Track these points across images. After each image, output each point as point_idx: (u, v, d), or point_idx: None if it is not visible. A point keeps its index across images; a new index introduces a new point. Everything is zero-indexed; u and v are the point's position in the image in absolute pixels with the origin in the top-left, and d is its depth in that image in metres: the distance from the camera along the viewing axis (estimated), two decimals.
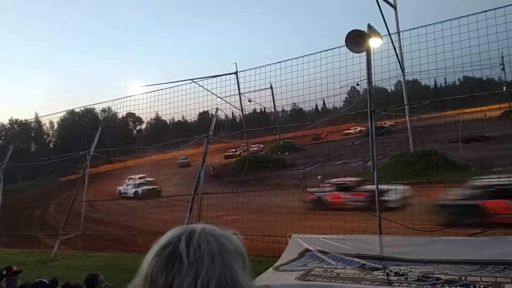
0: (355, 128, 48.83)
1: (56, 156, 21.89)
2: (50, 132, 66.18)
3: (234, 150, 39.24)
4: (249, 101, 28.36)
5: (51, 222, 20.79)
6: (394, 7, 19.15)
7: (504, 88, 26.47)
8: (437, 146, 21.69)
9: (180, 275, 0.81)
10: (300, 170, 26.51)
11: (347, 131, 48.67)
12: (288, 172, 25.96)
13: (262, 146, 40.37)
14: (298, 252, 7.45)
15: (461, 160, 19.35)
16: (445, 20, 11.04)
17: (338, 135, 44.19)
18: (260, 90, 18.84)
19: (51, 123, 60.42)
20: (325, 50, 11.71)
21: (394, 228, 8.21)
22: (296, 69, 13.38)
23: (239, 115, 32.49)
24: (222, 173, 28.10)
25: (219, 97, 18.97)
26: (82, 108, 55.44)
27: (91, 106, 50.28)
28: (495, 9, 9.74)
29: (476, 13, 10.37)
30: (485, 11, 10.09)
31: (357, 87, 19.25)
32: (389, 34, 13.91)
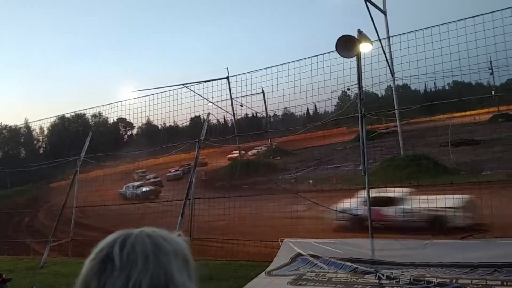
0: (259, 148, 41.16)
1: (46, 162, 21.68)
2: (40, 137, 65.61)
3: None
4: (241, 105, 28.42)
5: (40, 228, 20.56)
6: (384, 12, 19.37)
7: (493, 92, 26.87)
8: (427, 150, 21.88)
9: (112, 278, 0.81)
10: (292, 175, 26.56)
11: (232, 155, 37.57)
12: (280, 177, 25.98)
13: (179, 169, 33.70)
14: (290, 256, 7.45)
15: (451, 164, 19.52)
16: (434, 25, 11.19)
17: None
18: (251, 95, 18.89)
19: (41, 128, 59.96)
20: (316, 55, 11.79)
21: (386, 232, 8.27)
22: (287, 74, 13.45)
23: (231, 119, 32.52)
24: (214, 178, 28.05)
25: (210, 102, 18.95)
26: (72, 114, 55.20)
27: (82, 112, 50.09)
28: (483, 14, 9.90)
29: (464, 19, 10.53)
30: (473, 17, 10.25)
31: (348, 91, 19.37)
32: (379, 39, 14.04)
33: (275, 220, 11.62)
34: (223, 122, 37.54)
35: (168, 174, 32.72)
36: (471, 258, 6.14)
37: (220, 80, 21.52)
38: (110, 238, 0.90)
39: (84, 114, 52.32)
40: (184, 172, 32.32)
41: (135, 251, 0.84)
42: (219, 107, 24.07)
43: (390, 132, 33.33)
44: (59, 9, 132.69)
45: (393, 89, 19.94)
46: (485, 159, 19.61)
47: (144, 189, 25.84)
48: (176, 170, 33.26)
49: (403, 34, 11.29)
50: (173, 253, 0.87)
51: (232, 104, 28.15)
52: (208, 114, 11.68)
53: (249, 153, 39.54)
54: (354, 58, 8.08)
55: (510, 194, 11.82)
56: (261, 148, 40.65)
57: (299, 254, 7.42)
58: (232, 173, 27.42)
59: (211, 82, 19.51)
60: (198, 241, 9.70)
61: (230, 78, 24.09)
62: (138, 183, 27.54)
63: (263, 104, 28.38)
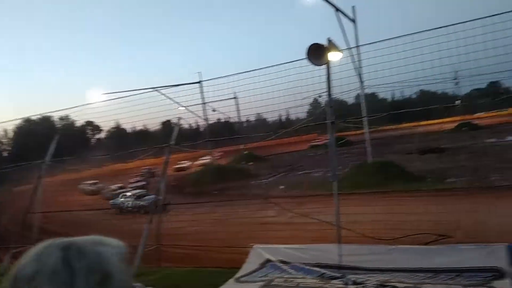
0: (206, 158, 38.88)
1: (9, 165, 20.89)
2: (4, 140, 63.23)
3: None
4: (213, 110, 28.38)
5: (3, 234, 19.74)
6: (353, 21, 19.76)
7: (457, 102, 27.96)
8: (394, 157, 22.43)
9: None
10: (264, 180, 26.62)
11: (179, 166, 37.76)
12: (251, 182, 25.99)
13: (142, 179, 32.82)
14: (259, 262, 7.43)
15: (417, 171, 20.08)
16: (399, 36, 11.54)
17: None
18: (224, 100, 18.92)
19: (5, 131, 57.81)
20: (287, 62, 11.96)
21: (354, 237, 8.38)
22: (259, 80, 13.54)
23: (203, 124, 32.37)
24: (184, 184, 27.75)
25: (182, 106, 18.81)
26: (39, 116, 53.57)
27: (48, 114, 48.72)
28: (445, 26, 10.28)
29: (428, 30, 10.92)
30: (436, 28, 10.62)
31: (319, 99, 19.69)
32: (349, 48, 14.34)
33: (246, 226, 11.59)
34: (195, 126, 37.36)
35: (130, 185, 30.49)
36: (434, 263, 6.30)
37: (193, 85, 21.46)
38: (38, 246, 0.88)
39: (51, 117, 50.89)
40: (148, 181, 31.11)
41: (43, 265, 0.81)
42: (190, 111, 23.99)
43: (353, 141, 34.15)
44: (30, 9, 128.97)
45: (361, 97, 20.34)
46: (450, 166, 20.26)
47: (152, 198, 22.05)
48: (138, 181, 31.76)
49: (371, 43, 11.58)
50: (86, 269, 0.83)
51: (204, 109, 28.05)
52: (179, 118, 11.57)
53: (196, 163, 38.38)
54: (324, 66, 8.19)
55: (473, 200, 12.28)
56: (209, 158, 39.20)
57: (268, 260, 7.42)
58: (203, 178, 27.23)
59: (183, 86, 19.46)
60: (166, 248, 9.56)
61: (202, 82, 24.05)
62: (138, 191, 23.93)
63: (236, 109, 28.51)
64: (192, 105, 23.03)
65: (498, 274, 5.80)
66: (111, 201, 23.57)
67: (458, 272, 6.11)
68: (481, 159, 20.54)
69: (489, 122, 42.91)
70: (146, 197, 21.77)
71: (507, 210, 10.78)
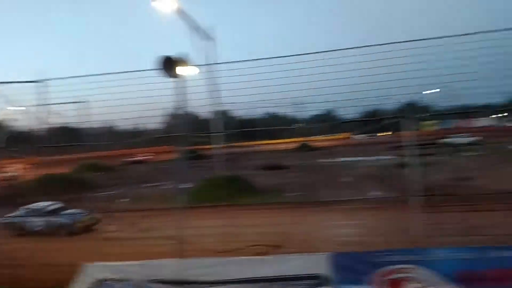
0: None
1: None
2: None
3: None
4: (56, 114, 25.74)
5: None
6: (212, 39, 20.33)
7: (298, 125, 31.20)
8: (243, 172, 23.61)
9: None
10: (110, 192, 25.11)
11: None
12: (96, 194, 24.31)
13: None
14: (89, 282, 6.87)
15: (261, 186, 21.51)
16: (253, 59, 12.22)
17: None
18: (69, 103, 17.41)
19: None
20: (140, 70, 11.52)
21: (198, 251, 8.43)
22: (112, 85, 12.78)
23: (42, 128, 29.05)
24: (17, 194, 24.30)
25: (14, 106, 16.60)
26: None
27: None
28: (288, 56, 11.20)
29: (280, 56, 11.77)
30: (281, 57, 11.52)
31: (176, 111, 19.57)
32: (203, 65, 14.71)
33: (84, 242, 10.73)
34: (33, 130, 33.31)
35: None
36: (266, 273, 6.69)
37: (31, 84, 19.13)
38: None
39: None
40: None
41: None
42: (26, 112, 21.33)
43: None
44: None
45: (215, 113, 20.98)
46: (289, 182, 22.13)
47: (75, 214, 15.68)
48: None
49: (224, 63, 12.03)
50: None
51: (44, 111, 25.18)
52: (10, 119, 10.15)
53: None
54: (181, 80, 8.24)
55: (306, 213, 13.61)
56: (14, 170, 34.13)
57: (102, 280, 6.91)
58: (40, 188, 24.31)
59: (23, 85, 17.17)
60: None
61: (46, 82, 21.63)
62: (50, 203, 16.46)
63: (82, 114, 26.36)
64: (29, 106, 20.44)
65: (321, 281, 6.44)
66: (2, 218, 15.89)
67: (287, 280, 6.61)
68: (315, 177, 23.04)
69: (325, 144, 48.79)
70: (65, 212, 16.15)
71: (334, 222, 12.23)
